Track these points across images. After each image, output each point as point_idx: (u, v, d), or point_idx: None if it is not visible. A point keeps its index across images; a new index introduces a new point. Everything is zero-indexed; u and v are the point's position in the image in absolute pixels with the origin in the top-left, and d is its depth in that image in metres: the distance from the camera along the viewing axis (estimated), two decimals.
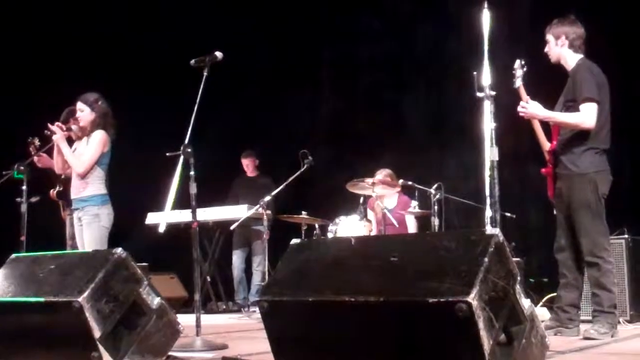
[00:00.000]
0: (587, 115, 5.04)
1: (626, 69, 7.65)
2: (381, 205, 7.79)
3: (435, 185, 7.66)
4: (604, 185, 5.18)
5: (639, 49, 7.61)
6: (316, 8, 10.11)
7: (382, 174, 8.05)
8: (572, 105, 5.15)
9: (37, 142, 6.75)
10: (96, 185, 6.22)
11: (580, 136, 5.14)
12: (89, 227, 6.15)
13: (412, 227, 8.14)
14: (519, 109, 5.14)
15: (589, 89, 5.07)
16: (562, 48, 5.30)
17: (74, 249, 6.70)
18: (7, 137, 8.10)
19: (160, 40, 9.93)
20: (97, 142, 6.21)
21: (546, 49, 5.40)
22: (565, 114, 5.11)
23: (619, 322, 5.97)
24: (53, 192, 7.17)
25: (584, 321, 5.24)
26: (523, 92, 5.18)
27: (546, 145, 5.39)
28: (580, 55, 5.30)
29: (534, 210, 7.85)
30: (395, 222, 7.73)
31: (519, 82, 5.18)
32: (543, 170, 5.38)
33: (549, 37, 5.38)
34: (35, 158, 6.66)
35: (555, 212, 5.41)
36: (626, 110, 7.73)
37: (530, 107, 5.09)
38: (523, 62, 5.23)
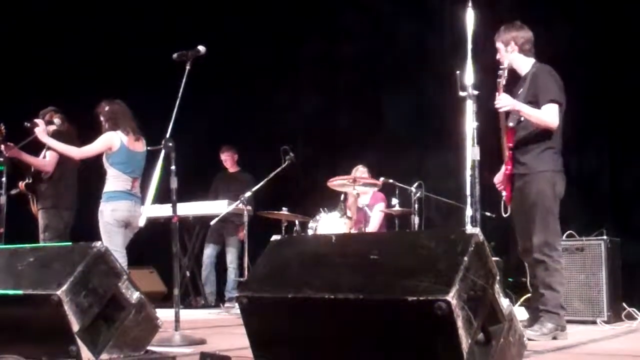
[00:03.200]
0: (552, 115, 5.10)
1: (608, 71, 7.70)
2: (357, 204, 7.84)
3: (416, 184, 7.70)
4: (560, 185, 5.22)
5: (623, 47, 7.65)
6: (298, 5, 10.10)
7: (359, 170, 8.12)
8: (533, 106, 5.17)
9: (3, 128, 6.69)
10: (108, 183, 6.42)
11: (540, 136, 5.18)
12: (99, 223, 6.35)
13: (375, 220, 8.14)
14: (495, 103, 5.11)
15: (552, 91, 5.14)
16: (513, 53, 5.33)
17: (46, 242, 6.68)
18: None
19: (141, 35, 9.89)
20: (99, 140, 6.46)
21: (498, 56, 5.39)
22: (535, 109, 5.12)
23: (595, 323, 6.03)
24: (22, 184, 7.11)
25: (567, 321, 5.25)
26: (500, 88, 5.18)
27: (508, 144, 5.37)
28: (533, 59, 5.36)
29: None
30: (369, 215, 7.83)
31: (503, 81, 5.17)
32: (506, 172, 5.30)
33: (499, 44, 5.38)
34: (2, 146, 6.64)
35: (511, 214, 5.40)
36: (606, 112, 7.81)
37: (503, 99, 5.09)
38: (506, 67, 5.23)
